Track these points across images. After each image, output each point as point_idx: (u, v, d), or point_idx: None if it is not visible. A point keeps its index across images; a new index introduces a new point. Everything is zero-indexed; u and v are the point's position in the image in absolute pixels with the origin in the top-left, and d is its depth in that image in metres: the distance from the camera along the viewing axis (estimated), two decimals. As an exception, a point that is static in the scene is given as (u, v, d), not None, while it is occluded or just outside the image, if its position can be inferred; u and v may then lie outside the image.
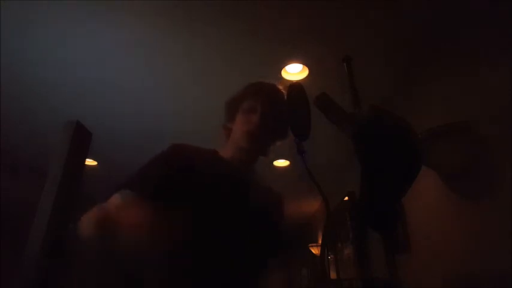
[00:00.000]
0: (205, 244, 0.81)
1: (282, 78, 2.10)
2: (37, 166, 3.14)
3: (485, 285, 1.32)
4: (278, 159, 3.44)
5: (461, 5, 1.54)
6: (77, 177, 1.37)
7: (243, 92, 1.03)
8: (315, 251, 4.76)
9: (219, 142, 1.06)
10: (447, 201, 1.67)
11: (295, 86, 0.79)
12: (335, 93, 0.69)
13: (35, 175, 3.28)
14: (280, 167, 3.55)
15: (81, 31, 1.80)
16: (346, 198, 3.29)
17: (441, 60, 1.78)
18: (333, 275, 3.97)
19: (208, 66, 2.09)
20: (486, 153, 1.39)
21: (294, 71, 2.10)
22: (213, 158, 0.97)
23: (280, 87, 1.04)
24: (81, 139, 1.41)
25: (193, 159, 0.91)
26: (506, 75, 1.25)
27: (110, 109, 2.54)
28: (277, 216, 1.05)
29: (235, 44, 1.89)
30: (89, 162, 3.44)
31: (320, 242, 4.65)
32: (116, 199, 0.78)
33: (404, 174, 0.59)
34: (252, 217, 0.91)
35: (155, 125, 2.75)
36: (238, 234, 0.87)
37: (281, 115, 0.97)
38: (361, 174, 0.61)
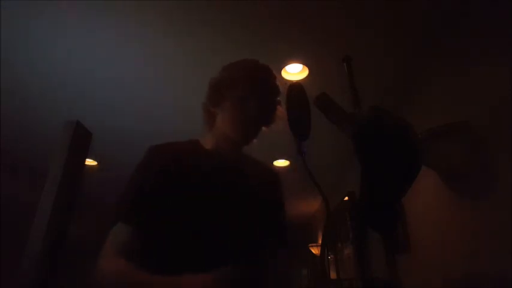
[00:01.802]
0: (202, 239, 0.80)
1: (281, 78, 2.10)
2: (37, 166, 3.14)
3: (485, 285, 1.32)
4: (278, 159, 3.45)
5: (461, 5, 1.54)
6: (77, 177, 1.37)
7: (233, 76, 0.94)
8: (315, 251, 4.76)
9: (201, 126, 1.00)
10: (447, 201, 1.67)
11: (295, 86, 0.79)
12: (335, 93, 0.69)
13: (35, 175, 3.28)
14: (280, 167, 3.55)
15: (82, 31, 1.80)
16: (346, 198, 3.29)
17: (441, 60, 1.78)
18: (333, 275, 3.97)
19: (208, 67, 2.08)
20: (486, 153, 1.39)
21: (294, 71, 2.10)
22: (195, 150, 0.93)
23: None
24: (81, 139, 1.41)
25: (173, 157, 0.88)
26: (506, 75, 1.25)
27: (110, 109, 2.54)
28: (277, 195, 1.02)
29: (235, 44, 1.89)
30: (89, 162, 3.44)
31: (320, 242, 4.65)
32: (110, 245, 0.77)
33: (404, 174, 0.59)
34: (249, 201, 0.89)
35: (156, 125, 2.75)
36: (237, 222, 0.85)
37: (275, 102, 0.94)
38: (361, 174, 0.61)
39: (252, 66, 0.97)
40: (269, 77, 0.96)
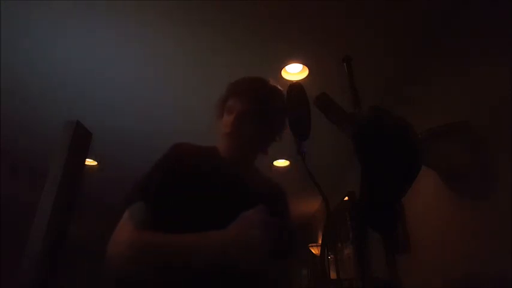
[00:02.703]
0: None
1: (281, 78, 2.10)
2: (37, 166, 3.14)
3: (485, 285, 1.32)
4: (278, 159, 3.45)
5: (461, 5, 1.54)
6: (77, 177, 1.37)
7: (226, 92, 1.01)
8: (315, 251, 4.76)
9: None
10: (447, 201, 1.67)
11: (295, 86, 0.79)
12: (335, 93, 0.69)
13: (35, 175, 3.28)
14: (280, 167, 3.55)
15: (82, 31, 1.80)
16: (346, 198, 3.29)
17: (441, 60, 1.78)
18: (333, 275, 3.97)
19: (208, 67, 2.09)
20: (486, 153, 1.39)
21: (294, 71, 2.10)
22: (212, 155, 0.97)
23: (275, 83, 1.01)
24: (81, 139, 1.41)
25: (194, 157, 0.91)
26: (506, 75, 1.25)
27: (110, 109, 2.54)
28: (281, 207, 1.04)
29: (235, 44, 1.89)
30: (89, 162, 3.44)
31: (320, 242, 4.65)
32: (127, 225, 0.76)
33: (404, 174, 0.59)
34: (249, 201, 0.91)
35: (156, 125, 2.75)
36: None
37: (264, 109, 0.95)
38: (361, 174, 0.61)
39: (242, 81, 1.01)
40: (255, 87, 0.98)
